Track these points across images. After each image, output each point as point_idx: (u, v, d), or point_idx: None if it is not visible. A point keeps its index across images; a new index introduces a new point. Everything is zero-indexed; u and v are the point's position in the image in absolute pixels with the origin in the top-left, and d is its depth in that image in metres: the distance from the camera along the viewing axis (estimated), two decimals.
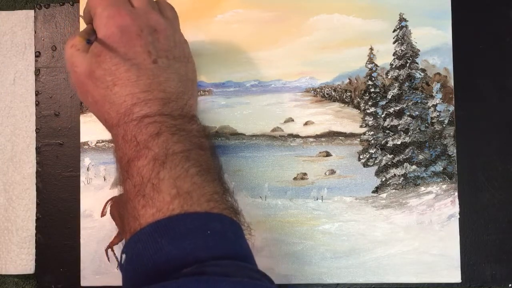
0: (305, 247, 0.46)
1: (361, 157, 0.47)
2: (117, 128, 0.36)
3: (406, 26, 0.47)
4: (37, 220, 0.47)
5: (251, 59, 0.47)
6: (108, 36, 0.36)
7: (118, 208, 0.45)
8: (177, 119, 0.36)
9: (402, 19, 0.47)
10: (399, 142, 0.47)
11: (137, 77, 0.36)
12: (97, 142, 0.47)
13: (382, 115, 0.47)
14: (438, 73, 0.47)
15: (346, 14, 0.47)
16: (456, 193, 0.46)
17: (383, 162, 0.47)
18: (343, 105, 0.47)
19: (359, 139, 0.47)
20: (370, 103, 0.47)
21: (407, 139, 0.47)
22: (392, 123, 0.47)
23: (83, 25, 0.47)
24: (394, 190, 0.46)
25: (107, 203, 0.46)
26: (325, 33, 0.47)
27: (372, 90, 0.47)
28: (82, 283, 0.46)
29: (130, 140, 0.35)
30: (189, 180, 0.33)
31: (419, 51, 0.47)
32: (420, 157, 0.46)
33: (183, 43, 0.40)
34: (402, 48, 0.47)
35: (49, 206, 0.47)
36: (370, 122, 0.47)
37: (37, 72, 0.48)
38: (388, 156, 0.47)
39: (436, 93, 0.47)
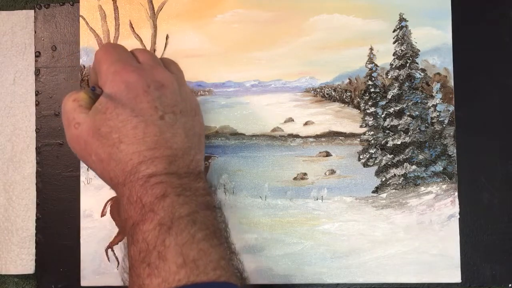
0: (305, 247, 0.46)
1: (361, 157, 0.47)
2: (123, 188, 0.35)
3: (406, 26, 0.47)
4: (37, 220, 0.47)
5: (251, 59, 0.47)
6: (115, 93, 0.36)
7: (118, 208, 0.45)
8: (183, 178, 0.35)
9: (402, 19, 0.47)
10: (399, 142, 0.47)
11: (143, 134, 0.35)
12: None
13: (382, 115, 0.47)
14: (438, 73, 0.47)
15: (346, 14, 0.47)
16: (456, 193, 0.46)
17: (383, 162, 0.47)
18: (343, 105, 0.47)
19: (359, 139, 0.47)
20: (370, 103, 0.47)
21: (407, 139, 0.47)
22: (392, 123, 0.47)
23: (83, 25, 0.48)
24: (394, 190, 0.46)
25: (107, 203, 0.46)
26: (325, 33, 0.47)
27: (372, 90, 0.47)
28: (82, 283, 0.46)
29: (135, 201, 0.34)
30: (195, 246, 0.32)
31: (419, 51, 0.47)
32: (420, 157, 0.46)
33: (190, 96, 0.39)
34: (402, 48, 0.47)
35: (49, 206, 0.47)
36: (370, 122, 0.47)
37: (37, 72, 0.48)
38: (388, 156, 0.47)
39: (436, 93, 0.47)
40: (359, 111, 0.47)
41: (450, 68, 0.46)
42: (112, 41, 0.47)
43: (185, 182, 0.35)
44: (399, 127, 0.47)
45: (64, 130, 0.38)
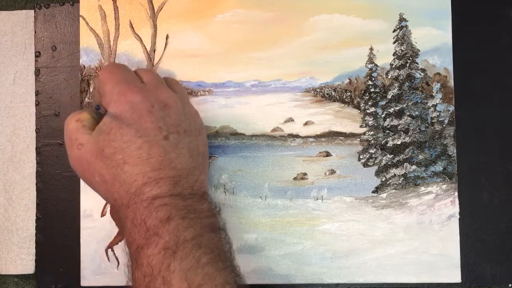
0: (305, 247, 0.46)
1: (361, 157, 0.47)
2: (127, 210, 0.35)
3: (406, 26, 0.47)
4: (37, 220, 0.47)
5: (251, 59, 0.47)
6: (119, 113, 0.36)
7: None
8: (188, 199, 0.35)
9: (402, 19, 0.47)
10: (399, 142, 0.47)
11: (148, 155, 0.35)
12: None
13: (382, 115, 0.47)
14: (438, 73, 0.47)
15: (346, 14, 0.47)
16: (456, 193, 0.46)
17: (383, 162, 0.47)
18: (343, 105, 0.47)
19: (359, 139, 0.47)
20: (370, 103, 0.47)
21: (407, 139, 0.47)
22: (392, 123, 0.47)
23: (83, 25, 0.48)
24: (394, 190, 0.46)
25: (107, 203, 0.46)
26: (325, 33, 0.47)
27: (372, 90, 0.47)
28: (82, 283, 0.46)
29: (140, 224, 0.34)
30: (200, 271, 0.32)
31: (419, 51, 0.47)
32: (420, 157, 0.46)
33: (194, 115, 0.39)
34: (402, 48, 0.47)
35: (49, 206, 0.47)
36: (370, 122, 0.47)
37: (37, 72, 0.48)
38: (388, 156, 0.47)
39: (436, 93, 0.47)
40: (359, 111, 0.47)
41: (450, 68, 0.46)
42: (112, 41, 0.47)
43: (189, 204, 0.35)
44: (399, 127, 0.47)
45: (67, 150, 0.38)
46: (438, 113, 0.46)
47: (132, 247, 0.34)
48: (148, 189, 0.35)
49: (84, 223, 0.46)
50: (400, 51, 0.47)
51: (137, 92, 0.36)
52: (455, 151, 0.46)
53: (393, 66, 0.47)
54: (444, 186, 0.46)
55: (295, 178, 0.47)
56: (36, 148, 0.48)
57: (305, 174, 0.47)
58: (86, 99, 0.48)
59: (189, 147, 0.37)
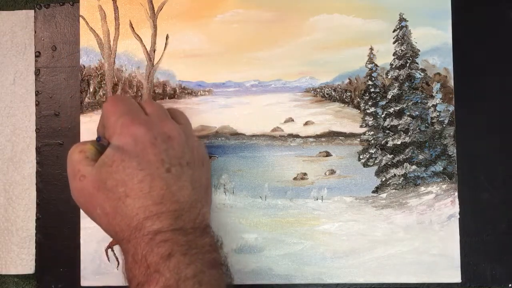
0: (305, 247, 0.46)
1: (361, 157, 0.47)
2: (127, 244, 0.35)
3: (406, 26, 0.47)
4: (37, 220, 0.47)
5: (251, 59, 0.47)
6: (122, 145, 0.36)
7: None
8: (189, 234, 0.35)
9: (402, 19, 0.47)
10: (399, 142, 0.47)
11: (150, 188, 0.35)
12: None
13: (382, 115, 0.47)
14: (438, 73, 0.47)
15: (346, 14, 0.47)
16: (456, 193, 0.46)
17: (383, 162, 0.47)
18: (343, 105, 0.47)
19: (359, 139, 0.47)
20: (370, 103, 0.47)
21: (407, 139, 0.47)
22: (392, 123, 0.47)
23: (83, 25, 0.48)
24: (394, 190, 0.46)
25: None
26: (325, 33, 0.47)
27: (372, 90, 0.47)
28: (82, 283, 0.46)
29: (140, 260, 0.34)
30: None
31: (419, 51, 0.47)
32: (420, 157, 0.46)
33: (197, 146, 0.39)
34: (402, 48, 0.47)
35: (49, 206, 0.47)
36: (370, 122, 0.47)
37: (37, 72, 0.48)
38: (388, 156, 0.47)
39: (436, 93, 0.47)
40: (359, 111, 0.47)
41: (450, 68, 0.46)
42: (112, 41, 0.47)
43: (191, 239, 0.35)
44: (399, 127, 0.47)
45: (69, 181, 0.38)
46: (438, 113, 0.46)
47: (132, 284, 0.34)
48: (149, 224, 0.34)
49: (84, 223, 0.46)
50: (400, 51, 0.47)
51: (140, 125, 0.36)
52: (455, 151, 0.46)
53: (393, 66, 0.47)
54: (444, 186, 0.46)
55: (295, 178, 0.47)
56: (36, 148, 0.48)
57: (305, 174, 0.47)
58: (86, 99, 0.48)
59: (192, 179, 0.37)
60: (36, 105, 0.48)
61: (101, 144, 0.37)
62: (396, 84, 0.47)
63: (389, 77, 0.47)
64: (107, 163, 0.36)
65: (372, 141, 0.47)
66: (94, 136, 0.47)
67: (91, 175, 0.36)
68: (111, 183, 0.35)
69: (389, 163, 0.47)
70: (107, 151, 0.36)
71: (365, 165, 0.47)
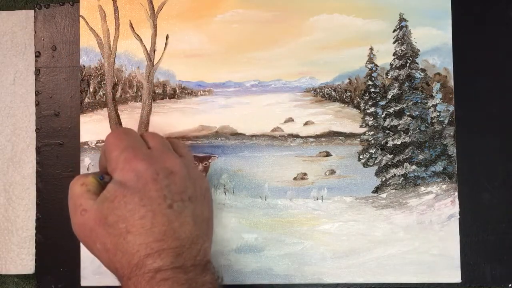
0: (305, 247, 0.46)
1: (361, 157, 0.47)
2: (128, 282, 0.34)
3: (406, 26, 0.47)
4: (37, 220, 0.47)
5: (251, 59, 0.47)
6: (124, 181, 0.35)
7: None
8: (190, 272, 0.35)
9: (402, 19, 0.47)
10: (399, 142, 0.47)
11: (151, 224, 0.35)
12: (97, 142, 0.47)
13: (382, 115, 0.47)
14: (438, 73, 0.47)
15: (346, 14, 0.47)
16: (456, 193, 0.46)
17: (383, 162, 0.47)
18: (343, 105, 0.47)
19: (359, 139, 0.47)
20: (370, 103, 0.47)
21: (407, 139, 0.47)
22: (392, 123, 0.47)
23: (83, 25, 0.48)
24: (394, 190, 0.46)
25: None
26: (325, 33, 0.47)
27: (372, 90, 0.47)
28: (82, 283, 0.46)
29: None
30: None
31: (419, 51, 0.47)
32: (420, 157, 0.46)
33: (199, 179, 0.39)
34: (402, 48, 0.47)
35: (49, 206, 0.47)
36: (370, 122, 0.47)
37: (37, 72, 0.48)
38: (388, 156, 0.47)
39: (436, 93, 0.47)
40: (359, 111, 0.47)
41: (450, 68, 0.46)
42: (112, 41, 0.47)
43: (191, 277, 0.35)
44: (399, 127, 0.47)
45: (70, 214, 0.37)
46: (438, 113, 0.46)
47: None
48: (150, 261, 0.34)
49: None
50: (400, 51, 0.47)
51: (142, 160, 0.36)
52: (455, 151, 0.46)
53: (393, 66, 0.47)
54: (444, 186, 0.46)
55: (295, 178, 0.47)
56: (36, 148, 0.48)
57: (305, 174, 0.47)
58: (86, 99, 0.48)
59: (194, 214, 0.37)
60: (36, 105, 0.48)
61: (102, 177, 0.37)
62: (396, 84, 0.47)
63: (389, 77, 0.47)
64: (109, 198, 0.35)
65: (372, 141, 0.47)
66: (94, 136, 0.47)
67: (92, 209, 0.36)
68: (112, 218, 0.35)
69: (389, 163, 0.47)
70: (109, 186, 0.36)
71: (365, 165, 0.47)
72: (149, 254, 0.34)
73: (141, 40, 0.47)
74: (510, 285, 0.45)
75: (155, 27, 0.47)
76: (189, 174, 0.38)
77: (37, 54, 0.48)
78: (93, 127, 0.47)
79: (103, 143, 0.39)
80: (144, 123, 0.47)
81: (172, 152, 0.39)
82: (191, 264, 0.35)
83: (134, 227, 0.35)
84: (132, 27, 0.48)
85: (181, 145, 0.41)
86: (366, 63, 0.47)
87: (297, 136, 0.47)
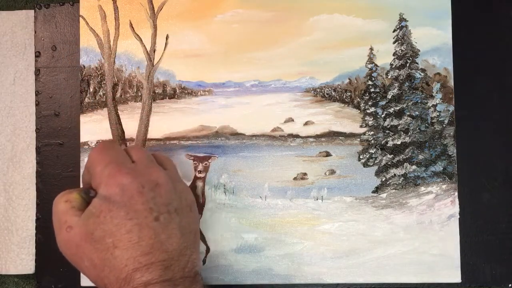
0: (305, 247, 0.46)
1: (361, 157, 0.47)
2: None
3: (406, 26, 0.47)
4: (37, 220, 0.47)
5: (251, 59, 0.47)
6: (109, 196, 0.35)
7: None
8: (179, 284, 0.35)
9: (402, 19, 0.47)
10: (399, 142, 0.47)
11: (138, 238, 0.34)
12: (97, 142, 0.47)
13: (382, 115, 0.47)
14: (438, 73, 0.47)
15: (346, 14, 0.47)
16: (456, 193, 0.46)
17: (383, 162, 0.47)
18: (343, 105, 0.47)
19: (359, 139, 0.47)
20: (370, 103, 0.47)
21: (407, 139, 0.47)
22: (392, 123, 0.47)
23: (83, 25, 0.48)
24: (394, 190, 0.46)
25: None
26: (325, 33, 0.47)
27: (372, 90, 0.47)
28: (82, 283, 0.46)
29: None
30: None
31: (419, 51, 0.47)
32: (420, 157, 0.46)
33: (185, 192, 0.39)
34: (402, 48, 0.47)
35: (49, 206, 0.47)
36: (370, 122, 0.47)
37: (37, 72, 0.48)
38: (388, 156, 0.47)
39: (436, 93, 0.47)
40: (359, 111, 0.47)
41: (450, 68, 0.46)
42: (112, 41, 0.47)
43: None
44: (399, 127, 0.47)
45: (55, 232, 0.37)
46: (438, 113, 0.46)
47: None
48: (138, 276, 0.34)
49: None
50: (400, 51, 0.47)
51: (127, 174, 0.36)
52: (455, 151, 0.46)
53: (393, 66, 0.47)
54: (444, 186, 0.46)
55: (295, 178, 0.47)
56: (36, 148, 0.48)
57: (305, 174, 0.47)
58: (86, 99, 0.48)
59: (180, 226, 0.37)
60: (36, 105, 0.48)
61: (87, 193, 0.37)
62: (396, 84, 0.47)
63: (389, 77, 0.47)
64: (95, 213, 0.35)
65: (372, 141, 0.47)
66: (94, 136, 0.47)
67: (78, 226, 0.35)
68: (98, 234, 0.35)
69: (389, 163, 0.47)
70: (94, 201, 0.36)
71: (365, 165, 0.47)
72: (137, 268, 0.34)
73: (141, 40, 0.47)
74: (510, 285, 0.45)
75: (155, 27, 0.47)
76: (174, 186, 0.38)
77: (37, 54, 0.48)
78: (93, 127, 0.47)
79: (86, 159, 0.38)
80: (144, 123, 0.47)
81: (156, 165, 0.38)
82: (180, 276, 0.35)
83: (121, 242, 0.34)
84: (132, 27, 0.48)
85: (165, 159, 0.41)
86: (366, 63, 0.47)
87: (297, 136, 0.47)
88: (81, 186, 0.42)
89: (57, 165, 0.47)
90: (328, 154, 0.47)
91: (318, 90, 0.47)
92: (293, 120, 0.47)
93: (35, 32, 0.48)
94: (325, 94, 0.47)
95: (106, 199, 0.35)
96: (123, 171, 0.36)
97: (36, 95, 0.48)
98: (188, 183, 0.46)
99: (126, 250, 0.34)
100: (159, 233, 0.35)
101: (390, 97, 0.47)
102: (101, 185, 0.36)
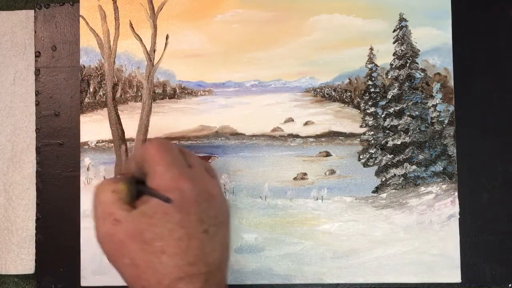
0: (305, 247, 0.46)
1: (361, 157, 0.47)
2: None
3: (406, 26, 0.47)
4: (37, 220, 0.47)
5: (251, 59, 0.47)
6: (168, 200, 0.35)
7: None
8: None
9: (402, 19, 0.47)
10: (399, 142, 0.47)
11: (186, 247, 0.34)
12: (97, 142, 0.47)
13: (382, 115, 0.47)
14: (438, 73, 0.47)
15: (346, 14, 0.47)
16: (456, 193, 0.46)
17: (383, 162, 0.47)
18: (343, 105, 0.47)
19: (359, 139, 0.47)
20: (370, 103, 0.47)
21: (407, 139, 0.47)
22: (392, 123, 0.47)
23: (83, 25, 0.48)
24: (394, 190, 0.46)
25: None
26: (325, 33, 0.47)
27: (372, 90, 0.47)
28: (82, 283, 0.46)
29: None
30: None
31: (419, 51, 0.47)
32: (420, 157, 0.46)
33: (226, 205, 0.39)
34: (402, 48, 0.47)
35: (49, 206, 0.47)
36: (370, 122, 0.47)
37: (37, 72, 0.48)
38: (388, 156, 0.47)
39: (436, 93, 0.47)
40: (359, 111, 0.47)
41: (450, 68, 0.46)
42: (112, 41, 0.47)
43: None
44: (399, 127, 0.47)
45: (95, 221, 0.36)
46: (438, 113, 0.46)
47: None
48: (181, 285, 0.33)
49: (84, 223, 0.46)
50: (400, 51, 0.47)
51: (188, 180, 0.35)
52: (455, 151, 0.46)
53: (393, 66, 0.47)
54: (444, 186, 0.46)
55: (295, 178, 0.47)
56: (36, 148, 0.48)
57: (305, 174, 0.47)
58: (86, 99, 0.48)
59: (222, 240, 0.37)
60: (36, 105, 0.48)
61: (133, 184, 0.36)
62: (396, 84, 0.47)
63: (389, 77, 0.47)
64: (148, 213, 0.34)
65: (372, 141, 0.47)
66: (94, 136, 0.47)
67: (126, 221, 0.34)
68: (149, 235, 0.34)
69: (389, 163, 0.47)
70: (150, 201, 0.35)
71: (365, 165, 0.47)
72: (181, 278, 0.33)
73: (141, 40, 0.47)
74: (510, 285, 0.45)
75: (155, 27, 0.47)
76: (222, 199, 0.38)
77: (37, 54, 0.48)
78: (93, 127, 0.47)
79: (142, 152, 0.37)
80: (144, 123, 0.47)
81: (208, 174, 0.38)
82: None
83: (170, 248, 0.34)
84: (132, 27, 0.48)
85: (210, 166, 0.41)
86: (366, 63, 0.47)
87: (297, 136, 0.47)
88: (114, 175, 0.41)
89: (57, 165, 0.47)
90: (328, 154, 0.47)
91: (318, 90, 0.47)
92: (293, 120, 0.47)
93: (35, 32, 0.48)
94: (325, 94, 0.47)
95: (164, 203, 0.35)
96: (185, 177, 0.35)
97: (36, 95, 0.48)
98: None
99: (173, 257, 0.34)
100: (206, 245, 0.35)
101: (390, 97, 0.47)
102: (161, 187, 0.35)
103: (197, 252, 0.34)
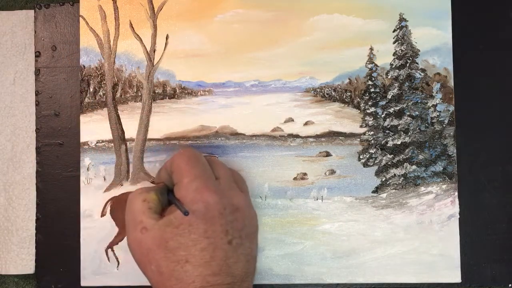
0: (305, 247, 0.46)
1: (361, 157, 0.47)
2: None
3: (406, 26, 0.47)
4: (37, 220, 0.47)
5: (251, 59, 0.47)
6: (193, 211, 0.36)
7: (118, 208, 0.45)
8: None
9: (402, 19, 0.47)
10: (399, 142, 0.47)
11: (210, 258, 0.35)
12: (97, 142, 0.47)
13: (382, 115, 0.47)
14: (438, 73, 0.47)
15: (346, 14, 0.47)
16: (456, 193, 0.46)
17: (383, 162, 0.47)
18: (343, 105, 0.47)
19: (359, 139, 0.47)
20: (370, 103, 0.47)
21: (407, 139, 0.47)
22: (392, 123, 0.47)
23: (83, 25, 0.48)
24: (394, 190, 0.46)
25: (107, 203, 0.46)
26: (325, 33, 0.47)
27: (372, 90, 0.47)
28: (82, 283, 0.46)
29: None
30: None
31: (419, 51, 0.47)
32: (420, 157, 0.46)
33: (254, 218, 0.40)
34: (402, 48, 0.47)
35: (49, 206, 0.47)
36: (370, 122, 0.47)
37: (37, 72, 0.48)
38: (388, 156, 0.47)
39: (436, 93, 0.47)
40: (359, 111, 0.47)
41: (450, 68, 0.46)
42: (112, 41, 0.47)
43: None
44: (399, 127, 0.47)
45: (127, 228, 0.38)
46: (438, 113, 0.46)
47: None
48: None
49: (84, 223, 0.46)
50: (400, 51, 0.47)
51: (214, 193, 0.36)
52: (455, 151, 0.46)
53: (393, 66, 0.47)
54: (444, 186, 0.46)
55: (295, 178, 0.47)
56: (36, 148, 0.48)
57: (305, 174, 0.47)
58: (86, 99, 0.48)
59: (247, 252, 0.37)
60: (36, 105, 0.48)
61: (163, 194, 0.37)
62: (396, 84, 0.47)
63: (389, 77, 0.47)
64: (174, 223, 0.36)
65: (372, 141, 0.47)
66: (94, 136, 0.47)
67: (153, 230, 0.36)
68: (173, 244, 0.35)
69: (389, 163, 0.47)
70: (177, 213, 0.36)
71: (365, 165, 0.47)
72: (204, 287, 0.34)
73: (141, 40, 0.47)
74: (510, 285, 0.45)
75: (155, 27, 0.47)
76: (249, 212, 0.39)
77: (37, 54, 0.48)
78: (93, 127, 0.47)
79: (171, 162, 0.39)
80: (144, 123, 0.47)
81: (237, 188, 0.39)
82: None
83: (194, 257, 0.35)
84: (132, 27, 0.48)
85: (241, 178, 0.42)
86: (366, 63, 0.47)
87: (297, 136, 0.47)
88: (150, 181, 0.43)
89: (57, 165, 0.47)
90: (328, 154, 0.47)
91: (318, 90, 0.47)
92: (293, 120, 0.47)
93: (35, 32, 0.48)
94: (325, 94, 0.47)
95: (190, 214, 0.36)
96: (210, 189, 0.36)
97: (36, 95, 0.48)
98: None
99: (196, 267, 0.35)
100: (230, 256, 0.36)
101: (390, 97, 0.47)
102: (187, 198, 0.36)
103: (221, 262, 0.35)
